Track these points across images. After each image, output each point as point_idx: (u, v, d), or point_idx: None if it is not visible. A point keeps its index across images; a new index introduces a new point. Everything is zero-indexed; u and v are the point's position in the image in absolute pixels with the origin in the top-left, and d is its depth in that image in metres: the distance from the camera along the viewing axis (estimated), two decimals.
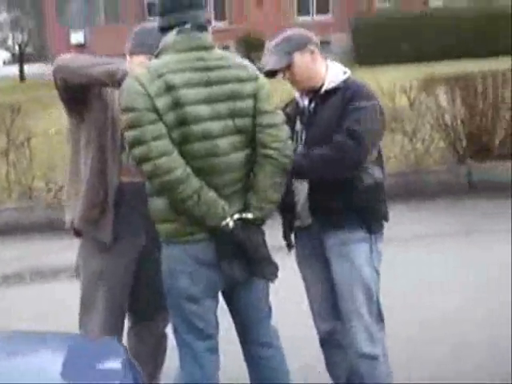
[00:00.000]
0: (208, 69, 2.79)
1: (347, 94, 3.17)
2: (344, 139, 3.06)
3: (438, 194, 7.78)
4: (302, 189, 3.22)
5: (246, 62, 2.93)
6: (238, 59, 2.92)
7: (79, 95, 3.18)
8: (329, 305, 3.35)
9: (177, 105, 2.70)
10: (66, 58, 3.20)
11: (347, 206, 3.16)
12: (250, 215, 2.81)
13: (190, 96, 2.72)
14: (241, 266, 2.79)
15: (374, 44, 21.99)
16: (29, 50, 49.54)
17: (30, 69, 39.64)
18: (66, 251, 6.67)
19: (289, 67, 3.23)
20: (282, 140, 2.86)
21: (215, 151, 2.77)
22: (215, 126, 2.76)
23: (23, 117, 8.24)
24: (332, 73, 3.27)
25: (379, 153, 3.29)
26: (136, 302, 3.41)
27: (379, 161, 3.27)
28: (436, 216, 7.14)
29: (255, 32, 23.93)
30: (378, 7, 25.71)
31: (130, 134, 2.72)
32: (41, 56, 53.08)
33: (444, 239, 6.40)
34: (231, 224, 2.76)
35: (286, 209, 3.22)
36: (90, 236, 3.30)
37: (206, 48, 2.83)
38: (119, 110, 2.90)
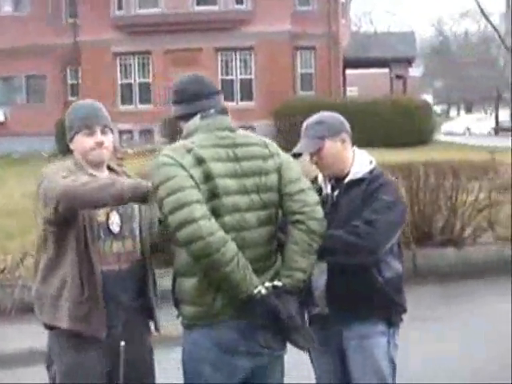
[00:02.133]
0: (234, 145, 2.85)
1: (372, 186, 3.15)
2: (359, 224, 3.03)
3: None
4: (320, 277, 3.16)
5: (266, 139, 3.00)
6: (260, 137, 2.99)
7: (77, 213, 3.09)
8: None
9: (207, 178, 2.73)
10: (68, 186, 2.97)
11: (367, 299, 3.11)
12: (279, 283, 2.79)
13: (219, 169, 2.76)
14: (275, 334, 2.75)
15: (297, 130, 22.60)
16: None
17: None
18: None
19: (317, 151, 3.21)
20: (309, 204, 2.87)
21: (243, 225, 2.78)
22: (242, 200, 2.79)
23: None
24: (358, 162, 3.25)
25: (399, 246, 3.27)
26: None
27: (399, 253, 3.25)
28: None
29: None
30: (300, 95, 26.48)
31: (170, 200, 2.68)
32: None
33: None
34: (263, 291, 2.73)
35: (304, 295, 3.13)
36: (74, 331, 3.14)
37: (230, 129, 2.91)
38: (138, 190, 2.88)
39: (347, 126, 3.30)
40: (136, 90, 27.29)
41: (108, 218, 3.17)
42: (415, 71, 40.93)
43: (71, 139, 3.25)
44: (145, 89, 27.09)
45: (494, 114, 48.39)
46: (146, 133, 24.13)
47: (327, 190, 3.28)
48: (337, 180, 3.26)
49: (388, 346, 3.19)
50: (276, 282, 2.79)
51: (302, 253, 2.85)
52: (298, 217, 2.85)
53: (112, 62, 27.02)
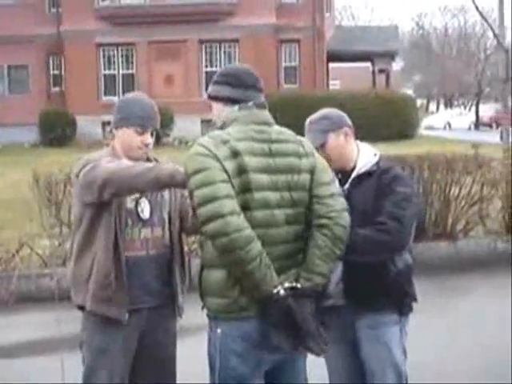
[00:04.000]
0: (270, 141, 2.84)
1: (384, 178, 3.20)
2: (387, 221, 3.06)
3: None
4: (335, 268, 3.14)
5: (302, 138, 3.01)
6: (295, 135, 2.98)
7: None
8: None
9: (241, 171, 2.72)
10: (113, 170, 3.08)
11: (381, 289, 3.18)
12: (298, 285, 2.79)
13: (253, 164, 2.75)
14: (288, 336, 2.74)
15: (281, 122, 22.63)
16: None
17: None
18: None
19: (322, 146, 3.27)
20: (336, 210, 2.87)
21: (271, 221, 2.78)
22: (273, 197, 2.79)
23: None
24: (364, 155, 3.31)
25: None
26: (136, 377, 3.36)
27: (409, 245, 3.29)
28: None
29: (163, 107, 24.16)
30: (284, 88, 26.52)
31: (200, 193, 2.68)
32: None
33: None
34: (282, 292, 2.73)
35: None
36: (98, 313, 3.24)
37: (267, 124, 2.90)
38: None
39: (348, 120, 3.38)
40: (120, 81, 27.17)
41: (137, 204, 3.25)
42: (395, 65, 41.12)
43: (120, 127, 3.31)
44: (128, 80, 26.97)
45: (473, 109, 48.70)
46: None
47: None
48: (343, 174, 3.31)
49: (400, 335, 3.28)
50: (295, 284, 2.79)
51: (324, 258, 2.84)
52: (323, 221, 2.85)
53: (95, 52, 26.87)
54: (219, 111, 2.95)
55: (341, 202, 2.91)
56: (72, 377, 3.86)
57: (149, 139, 3.31)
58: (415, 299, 3.36)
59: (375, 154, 3.34)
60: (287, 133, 2.95)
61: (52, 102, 26.57)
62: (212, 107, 3.00)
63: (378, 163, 3.30)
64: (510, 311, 6.34)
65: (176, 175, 2.93)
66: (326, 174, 2.95)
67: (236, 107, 2.89)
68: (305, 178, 2.88)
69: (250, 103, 2.90)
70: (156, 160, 3.44)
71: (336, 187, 2.97)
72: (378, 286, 3.17)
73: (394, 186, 3.17)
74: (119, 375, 3.28)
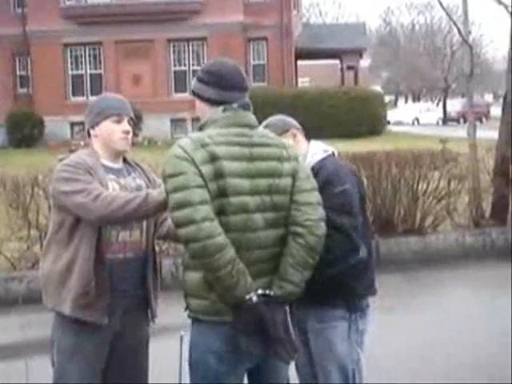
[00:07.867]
0: (251, 145, 2.82)
1: (320, 177, 3.14)
2: (329, 232, 2.94)
3: None
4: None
5: (286, 141, 3.00)
6: (280, 139, 2.97)
7: None
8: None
9: (218, 175, 2.71)
10: (105, 213, 3.07)
11: (321, 284, 3.07)
12: (271, 293, 2.77)
13: (232, 168, 2.73)
14: (259, 342, 2.73)
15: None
16: None
17: None
18: None
19: None
20: (312, 219, 2.85)
21: (249, 225, 2.76)
22: (252, 201, 2.77)
23: None
24: (311, 153, 3.30)
25: (366, 228, 3.28)
26: (108, 379, 3.33)
27: (364, 236, 3.22)
28: None
29: (132, 107, 23.98)
30: (253, 86, 26.51)
31: (174, 197, 2.68)
32: None
33: None
34: (254, 298, 2.71)
35: None
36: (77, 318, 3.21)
37: (251, 126, 2.88)
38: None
39: (295, 122, 3.41)
40: (87, 81, 26.98)
41: None
42: (363, 62, 41.33)
43: (96, 124, 3.32)
44: (96, 80, 26.78)
45: (441, 105, 49.14)
46: None
47: None
48: None
49: (349, 331, 3.24)
50: (268, 291, 2.78)
51: (297, 266, 2.83)
52: (299, 229, 2.83)
53: (62, 52, 26.63)
54: (203, 111, 2.93)
55: (319, 212, 2.88)
56: (36, 381, 3.83)
57: (127, 126, 3.33)
58: (361, 295, 3.29)
59: (326, 151, 3.32)
60: (271, 136, 2.93)
61: (19, 103, 26.28)
62: (196, 103, 2.98)
63: (322, 160, 3.25)
64: (479, 304, 6.44)
65: (165, 203, 2.90)
66: (309, 182, 2.92)
67: (220, 108, 2.86)
68: (286, 181, 2.86)
69: (235, 104, 2.86)
70: (137, 164, 3.47)
71: (317, 196, 2.92)
72: (316, 281, 3.02)
73: (329, 187, 3.12)
74: (90, 376, 3.26)
